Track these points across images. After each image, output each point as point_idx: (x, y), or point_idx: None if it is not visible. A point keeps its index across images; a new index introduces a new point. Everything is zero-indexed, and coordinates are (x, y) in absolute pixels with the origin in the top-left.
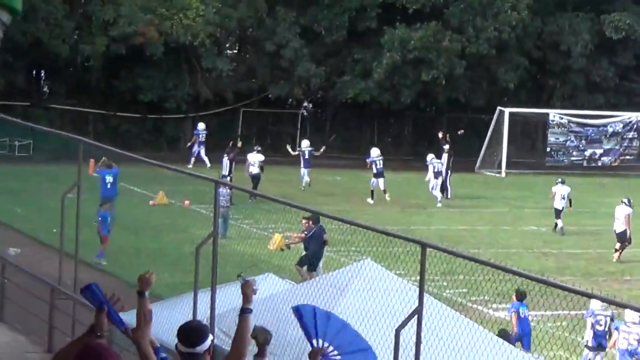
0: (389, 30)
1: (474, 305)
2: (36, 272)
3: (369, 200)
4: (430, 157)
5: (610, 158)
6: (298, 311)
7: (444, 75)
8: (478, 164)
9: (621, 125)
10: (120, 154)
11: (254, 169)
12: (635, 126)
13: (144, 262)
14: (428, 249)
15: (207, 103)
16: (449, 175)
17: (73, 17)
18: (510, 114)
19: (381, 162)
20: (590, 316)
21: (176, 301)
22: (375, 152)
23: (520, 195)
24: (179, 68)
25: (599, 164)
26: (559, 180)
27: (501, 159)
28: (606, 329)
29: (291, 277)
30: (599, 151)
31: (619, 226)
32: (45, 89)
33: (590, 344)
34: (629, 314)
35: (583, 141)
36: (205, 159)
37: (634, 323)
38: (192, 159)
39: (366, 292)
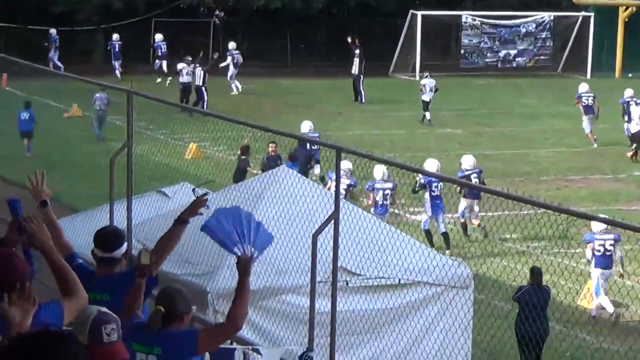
0: None
1: (391, 209)
2: None
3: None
4: (231, 46)
5: (524, 59)
6: (209, 229)
7: None
8: (392, 67)
9: (534, 25)
10: (34, 67)
11: (185, 78)
12: (548, 26)
13: (60, 175)
14: (343, 154)
15: (118, 14)
16: (361, 79)
17: None
18: (423, 16)
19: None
20: None
21: (92, 213)
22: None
23: (435, 98)
24: None
25: (514, 64)
26: (426, 74)
27: (415, 62)
28: None
29: (207, 186)
30: (513, 52)
31: (634, 127)
32: None
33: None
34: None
35: (497, 42)
36: (58, 63)
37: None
38: (51, 64)
39: (283, 198)
